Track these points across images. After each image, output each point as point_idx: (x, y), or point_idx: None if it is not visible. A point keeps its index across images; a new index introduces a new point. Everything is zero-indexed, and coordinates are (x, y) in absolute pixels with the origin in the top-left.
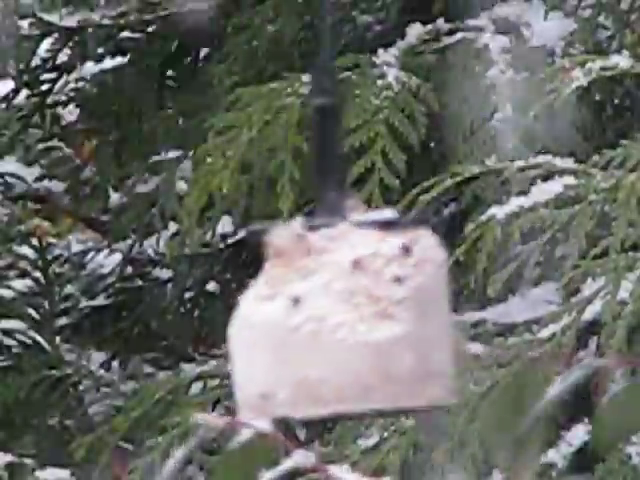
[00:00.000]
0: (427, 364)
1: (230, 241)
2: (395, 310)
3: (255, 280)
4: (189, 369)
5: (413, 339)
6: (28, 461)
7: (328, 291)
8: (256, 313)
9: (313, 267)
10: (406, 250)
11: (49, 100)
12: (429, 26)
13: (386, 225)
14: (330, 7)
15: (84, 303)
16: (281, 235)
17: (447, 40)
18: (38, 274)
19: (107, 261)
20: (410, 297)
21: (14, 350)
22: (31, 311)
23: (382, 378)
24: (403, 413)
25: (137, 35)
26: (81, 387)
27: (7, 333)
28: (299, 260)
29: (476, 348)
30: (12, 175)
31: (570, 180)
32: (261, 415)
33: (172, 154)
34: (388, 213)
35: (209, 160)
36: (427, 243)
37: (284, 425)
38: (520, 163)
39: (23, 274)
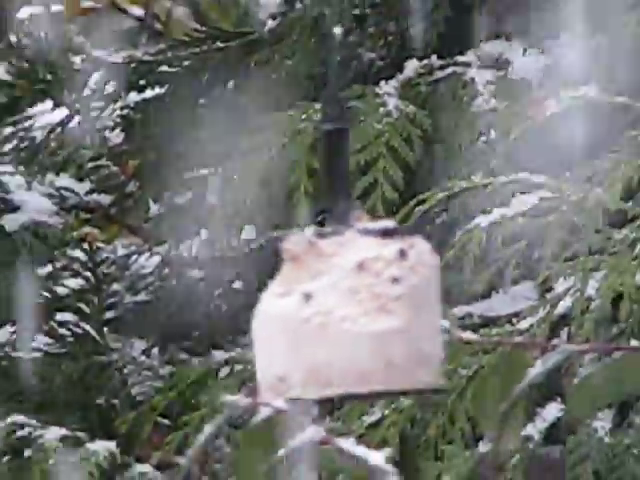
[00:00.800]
0: (419, 353)
1: (253, 246)
2: (393, 306)
3: (273, 280)
4: (218, 355)
5: (408, 331)
6: (80, 434)
7: (335, 289)
8: (274, 307)
9: (323, 268)
10: (403, 254)
11: (98, 125)
12: (424, 62)
13: (386, 233)
14: (338, 46)
15: (128, 299)
16: (295, 241)
17: (439, 74)
18: (88, 274)
19: (148, 263)
20: (406, 295)
21: (68, 339)
22: (82, 306)
23: (380, 364)
24: (398, 395)
25: (174, 69)
26: (125, 371)
27: (62, 324)
28: (311, 263)
29: (465, 336)
30: (66, 189)
31: (544, 193)
32: (278, 395)
33: (203, 171)
34: (388, 222)
35: (235, 177)
36: (421, 248)
37: (299, 404)
38: (502, 179)
39: (76, 274)
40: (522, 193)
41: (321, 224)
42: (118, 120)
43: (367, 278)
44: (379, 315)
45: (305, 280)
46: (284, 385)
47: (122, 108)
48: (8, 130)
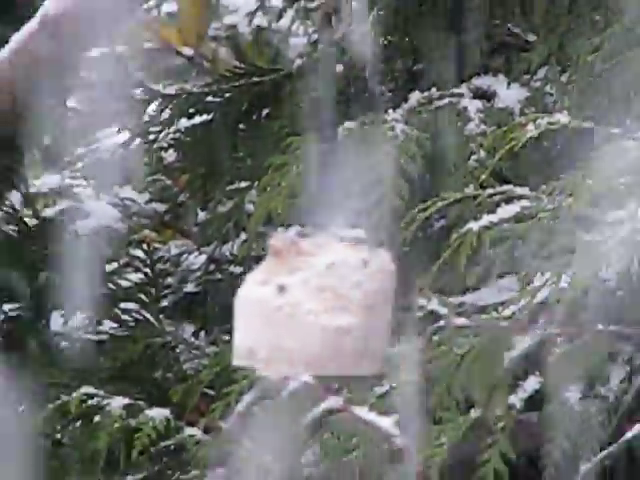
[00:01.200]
0: (366, 347)
1: None
2: (351, 307)
3: (257, 268)
4: None
5: (359, 329)
6: (140, 403)
7: (306, 285)
8: (253, 293)
9: (299, 265)
10: (365, 263)
11: (155, 146)
12: (425, 93)
13: (357, 241)
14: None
15: (180, 290)
16: (280, 239)
17: (438, 103)
18: (147, 270)
19: (196, 260)
20: (363, 298)
21: (130, 324)
22: (142, 296)
23: (333, 353)
24: (347, 379)
25: (218, 99)
26: (177, 350)
27: (125, 311)
28: (290, 259)
29: (460, 321)
30: (129, 199)
31: (526, 203)
32: (247, 364)
33: (242, 184)
34: (360, 232)
35: (268, 189)
36: (383, 258)
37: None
38: (490, 191)
39: (136, 270)
40: (506, 203)
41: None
42: (171, 142)
43: (333, 279)
44: (338, 313)
45: (283, 273)
46: (252, 357)
47: (175, 132)
48: (80, 150)
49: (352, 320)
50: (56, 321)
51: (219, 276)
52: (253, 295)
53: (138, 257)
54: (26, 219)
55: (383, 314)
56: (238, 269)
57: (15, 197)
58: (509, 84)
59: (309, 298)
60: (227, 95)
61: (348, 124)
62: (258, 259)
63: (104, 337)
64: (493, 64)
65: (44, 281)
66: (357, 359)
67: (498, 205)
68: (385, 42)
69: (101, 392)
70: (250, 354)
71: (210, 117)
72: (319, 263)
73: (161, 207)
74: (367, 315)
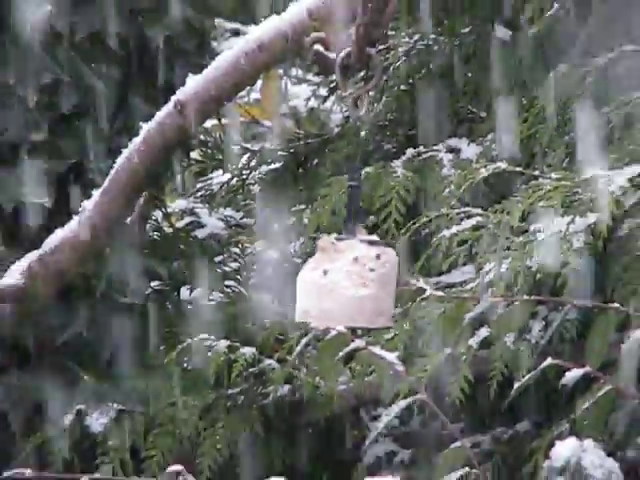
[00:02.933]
0: (380, 309)
1: None
2: (369, 284)
3: (310, 260)
4: None
5: (375, 297)
6: (236, 344)
7: (341, 271)
8: (307, 275)
9: (337, 258)
10: (378, 256)
11: (246, 182)
12: (417, 149)
13: (372, 243)
14: (371, 141)
15: (260, 274)
16: (324, 241)
17: (424, 156)
18: (241, 260)
19: (273, 255)
20: (376, 278)
21: (229, 294)
22: (237, 277)
23: (359, 312)
24: (370, 330)
25: (285, 153)
26: (260, 311)
27: (227, 286)
28: (331, 254)
29: (437, 294)
30: (230, 216)
31: (479, 218)
32: (303, 320)
33: (301, 206)
34: (374, 237)
35: (317, 210)
36: (390, 253)
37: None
38: (456, 211)
39: (234, 260)
40: (467, 218)
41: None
42: (256, 180)
43: (357, 267)
44: (361, 288)
45: (326, 263)
46: (307, 316)
47: (258, 174)
48: (199, 185)
49: (370, 292)
50: (184, 293)
51: (286, 265)
52: (307, 277)
53: (235, 252)
54: (165, 228)
55: (390, 289)
56: (298, 260)
57: (158, 214)
58: (469, 144)
59: (343, 278)
60: (291, 150)
61: (367, 169)
62: (310, 254)
63: (213, 303)
64: (459, 131)
65: (176, 267)
66: (374, 317)
67: (462, 220)
68: (390, 117)
69: (212, 337)
70: (305, 314)
71: (281, 164)
72: (349, 257)
73: (250, 221)
74: (379, 289)
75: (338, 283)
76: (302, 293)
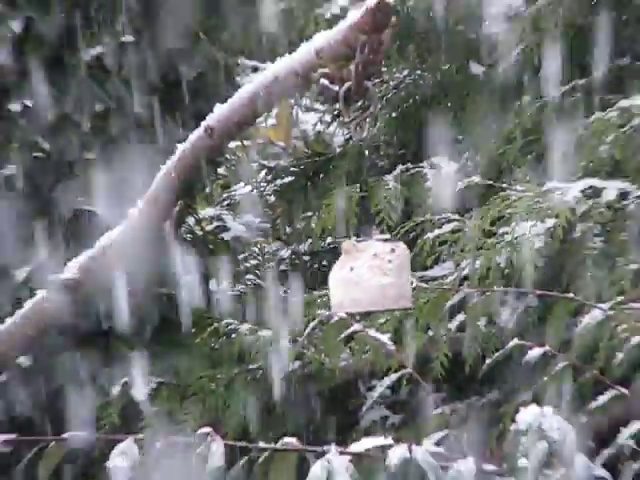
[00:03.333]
0: (400, 293)
1: (331, 246)
2: (389, 273)
3: (338, 261)
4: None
5: (395, 285)
6: (256, 327)
7: (364, 266)
8: (337, 273)
9: (359, 257)
10: (393, 250)
11: (264, 193)
12: (405, 166)
13: (386, 240)
14: (368, 158)
15: (277, 268)
16: (347, 244)
17: (412, 171)
18: (260, 258)
19: (286, 254)
20: (394, 268)
21: (250, 286)
22: (257, 271)
23: (383, 298)
24: (392, 310)
25: (296, 169)
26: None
27: (248, 280)
28: (354, 254)
29: (422, 285)
30: (250, 221)
31: (457, 223)
32: (340, 311)
33: (309, 213)
34: (387, 236)
35: (323, 215)
36: (402, 247)
37: (349, 314)
38: (437, 216)
39: (254, 258)
40: (447, 222)
41: (359, 236)
42: (272, 192)
43: (377, 261)
44: (382, 277)
45: (351, 262)
46: (341, 306)
47: (274, 186)
48: (225, 195)
49: (390, 280)
50: (212, 284)
51: (297, 261)
52: (337, 275)
53: (255, 251)
54: (196, 231)
55: (406, 275)
56: (307, 257)
57: (191, 220)
58: (448, 162)
59: (367, 272)
60: (301, 167)
61: (374, 176)
62: (316, 253)
63: (238, 293)
64: (441, 150)
65: (207, 263)
66: (397, 300)
67: (443, 224)
68: (384, 139)
69: (235, 321)
70: (340, 305)
71: (292, 179)
72: (369, 254)
73: (266, 225)
74: (397, 277)
75: (363, 276)
76: (335, 289)
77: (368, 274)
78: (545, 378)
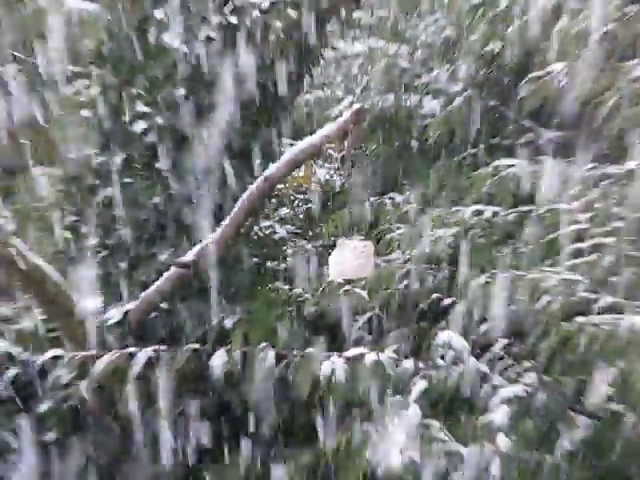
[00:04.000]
0: (368, 269)
1: (333, 242)
2: (363, 256)
3: (334, 249)
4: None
5: (367, 263)
6: (286, 287)
7: (349, 254)
8: (334, 256)
9: (346, 247)
10: (365, 245)
11: (297, 213)
12: (375, 198)
13: (361, 239)
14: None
15: (304, 254)
16: (340, 241)
17: (379, 201)
18: (295, 249)
19: (309, 247)
20: (365, 255)
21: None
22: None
23: (361, 270)
24: (364, 278)
25: (314, 199)
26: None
27: (276, 271)
28: (343, 246)
29: (383, 264)
30: (289, 229)
31: (405, 229)
32: (335, 279)
33: (322, 224)
34: (362, 237)
35: (329, 226)
36: (369, 243)
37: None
38: (394, 225)
39: (292, 248)
40: (397, 229)
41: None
42: (301, 212)
43: (355, 252)
44: (358, 259)
45: (341, 251)
46: (335, 275)
47: (303, 209)
48: (275, 214)
49: (362, 262)
50: (268, 265)
51: (315, 251)
52: (333, 258)
53: (292, 246)
54: (259, 234)
55: (371, 260)
56: (320, 249)
57: (256, 228)
58: (399, 195)
59: (350, 256)
60: (317, 199)
61: (358, 204)
62: (326, 246)
63: (282, 268)
64: (395, 189)
65: (264, 254)
66: (366, 272)
67: (397, 229)
68: (364, 183)
69: (281, 283)
70: (334, 275)
71: (313, 205)
72: (351, 246)
73: (298, 231)
74: (367, 260)
75: (348, 258)
76: (332, 266)
77: (350, 257)
78: (449, 317)
